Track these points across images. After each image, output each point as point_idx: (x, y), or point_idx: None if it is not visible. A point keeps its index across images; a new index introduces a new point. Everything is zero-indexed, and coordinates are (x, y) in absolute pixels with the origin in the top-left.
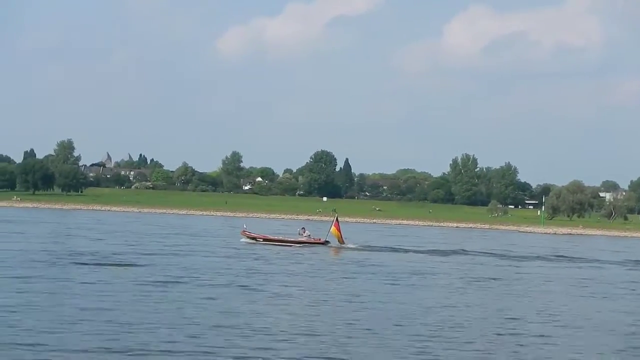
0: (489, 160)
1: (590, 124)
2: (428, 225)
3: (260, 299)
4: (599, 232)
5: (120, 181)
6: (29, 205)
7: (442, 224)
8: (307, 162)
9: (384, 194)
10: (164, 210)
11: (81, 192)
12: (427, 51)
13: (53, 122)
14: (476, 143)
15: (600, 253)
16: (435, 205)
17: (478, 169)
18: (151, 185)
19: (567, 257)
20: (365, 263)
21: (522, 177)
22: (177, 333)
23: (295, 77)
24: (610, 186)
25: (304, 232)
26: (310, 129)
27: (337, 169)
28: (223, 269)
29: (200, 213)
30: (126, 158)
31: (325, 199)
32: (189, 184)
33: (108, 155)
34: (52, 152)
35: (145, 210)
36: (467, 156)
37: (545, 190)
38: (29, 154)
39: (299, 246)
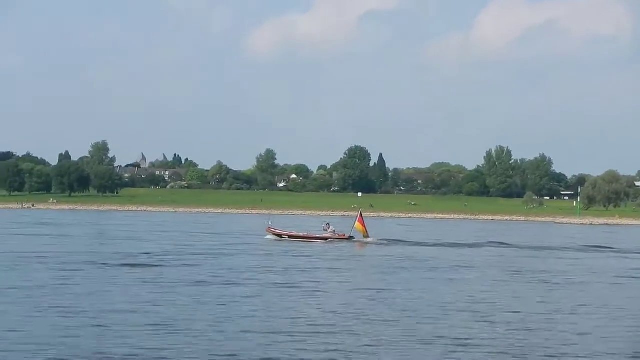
0: (523, 151)
1: (624, 112)
2: (464, 219)
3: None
4: (636, 222)
5: (155, 181)
6: (66, 207)
7: (477, 217)
8: (341, 158)
9: (419, 188)
10: (200, 210)
11: (117, 193)
12: (459, 44)
13: (87, 123)
14: (510, 135)
15: None
16: (471, 198)
17: (512, 160)
18: (186, 185)
19: (609, 247)
20: (414, 258)
21: (557, 168)
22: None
23: (327, 74)
24: None
25: (329, 228)
26: (343, 125)
27: (372, 164)
28: (269, 268)
29: (236, 211)
30: (161, 158)
31: (360, 194)
32: (224, 183)
33: (143, 155)
34: (87, 154)
35: (181, 210)
36: (502, 148)
37: (581, 180)
38: (64, 156)
39: (324, 242)
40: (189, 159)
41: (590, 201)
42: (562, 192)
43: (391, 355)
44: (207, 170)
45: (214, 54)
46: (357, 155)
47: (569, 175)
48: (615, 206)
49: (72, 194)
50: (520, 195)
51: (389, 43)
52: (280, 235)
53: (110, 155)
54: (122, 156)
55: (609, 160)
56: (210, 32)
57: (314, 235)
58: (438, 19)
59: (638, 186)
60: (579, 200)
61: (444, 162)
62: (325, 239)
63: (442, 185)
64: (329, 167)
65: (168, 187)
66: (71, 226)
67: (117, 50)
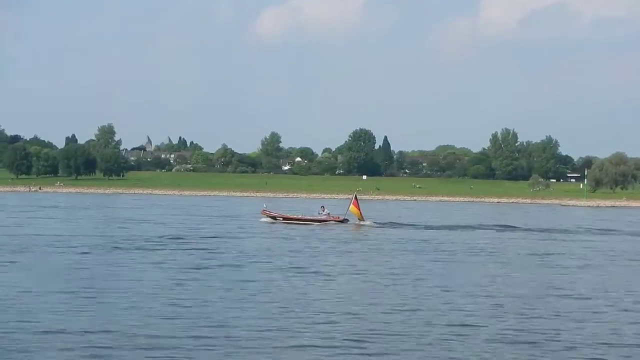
0: (529, 134)
1: (631, 94)
2: (469, 201)
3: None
4: None
5: (160, 164)
6: (72, 190)
7: (483, 199)
8: (346, 141)
9: (424, 171)
10: (205, 193)
11: (123, 176)
12: (465, 26)
13: (93, 107)
14: (516, 117)
15: None
16: (476, 181)
17: (518, 143)
18: (191, 168)
19: (619, 230)
20: (427, 240)
21: (563, 151)
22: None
23: (333, 57)
24: None
25: (323, 211)
26: (348, 107)
27: (376, 147)
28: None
29: (241, 194)
30: (166, 141)
31: (365, 177)
32: (229, 166)
33: (148, 138)
34: (93, 137)
35: (186, 193)
36: (507, 131)
37: (587, 162)
38: (71, 140)
39: (318, 224)
40: (194, 142)
41: (597, 183)
42: (569, 175)
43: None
44: (212, 154)
45: (220, 37)
46: (362, 138)
47: (575, 158)
48: (622, 188)
49: (79, 177)
50: (526, 178)
51: (395, 26)
52: (274, 218)
53: (116, 138)
54: (128, 139)
55: (616, 142)
56: (215, 16)
57: (309, 218)
58: (444, 2)
59: None
60: (585, 182)
61: (449, 144)
62: (320, 221)
63: (447, 168)
64: (333, 150)
65: (173, 170)
66: (84, 209)
67: (122, 33)
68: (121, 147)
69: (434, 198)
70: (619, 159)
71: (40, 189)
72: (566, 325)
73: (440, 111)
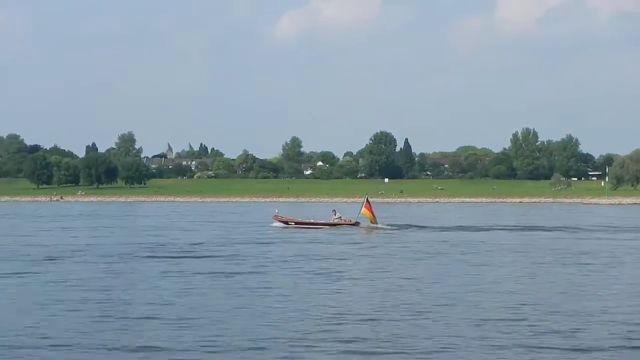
0: (549, 133)
1: None
2: (491, 202)
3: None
4: None
5: (182, 171)
6: (94, 199)
7: (505, 199)
8: (367, 144)
9: (446, 173)
10: (227, 199)
11: (144, 184)
12: (483, 25)
13: (113, 115)
14: (536, 116)
15: None
16: (498, 181)
17: (539, 142)
18: (213, 174)
19: None
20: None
21: (584, 149)
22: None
23: (351, 59)
24: None
25: (335, 215)
26: (368, 110)
27: (397, 149)
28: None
29: (263, 200)
30: (187, 148)
31: (387, 180)
32: (250, 172)
33: (169, 146)
34: (114, 146)
35: (208, 199)
36: (528, 130)
37: (608, 160)
38: (91, 148)
39: (330, 228)
40: (215, 149)
41: (618, 181)
42: (590, 173)
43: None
44: (233, 159)
45: (238, 42)
46: (383, 140)
47: (596, 156)
48: None
49: (100, 186)
50: (547, 177)
51: (412, 26)
52: (286, 222)
53: (136, 146)
54: (149, 147)
55: (636, 139)
56: (233, 19)
57: (320, 222)
58: (461, 1)
59: None
60: (607, 180)
61: (470, 145)
62: (332, 225)
63: (468, 169)
64: (355, 153)
65: (195, 177)
66: (111, 218)
67: (140, 40)
68: (142, 155)
69: (456, 199)
70: None
71: (61, 198)
72: None
73: (460, 112)
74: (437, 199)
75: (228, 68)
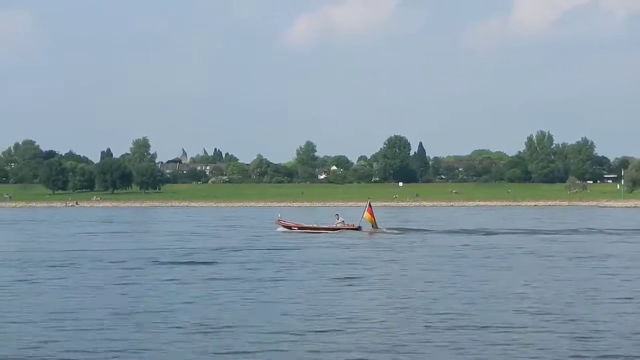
0: (564, 136)
1: None
2: (506, 206)
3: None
4: None
5: (196, 176)
6: (109, 204)
7: (520, 203)
8: (381, 148)
9: (460, 176)
10: (242, 204)
11: (159, 189)
12: (497, 28)
13: (128, 120)
14: (551, 119)
15: None
16: (512, 185)
17: (554, 145)
18: (227, 179)
19: None
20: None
21: (599, 151)
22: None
23: (365, 63)
24: None
25: (338, 219)
26: (382, 114)
27: (412, 153)
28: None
29: (277, 204)
30: (201, 153)
31: (401, 184)
32: (265, 176)
33: (183, 151)
34: (129, 151)
35: (222, 204)
36: (542, 133)
37: (624, 163)
38: (106, 154)
39: (333, 232)
40: (230, 154)
41: (634, 184)
42: (605, 176)
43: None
44: (247, 164)
45: (252, 47)
46: (397, 144)
47: (611, 159)
48: None
49: (115, 191)
50: (562, 180)
51: (426, 29)
52: (289, 227)
53: (151, 151)
54: (163, 152)
55: None
56: (246, 25)
57: (323, 226)
58: (476, 3)
59: None
60: (622, 183)
61: (485, 149)
62: (334, 229)
63: (483, 172)
64: (369, 157)
65: (209, 182)
66: (129, 223)
67: (156, 46)
68: (156, 160)
69: (470, 203)
70: None
71: (76, 203)
72: None
73: (474, 115)
74: (451, 203)
75: (242, 73)
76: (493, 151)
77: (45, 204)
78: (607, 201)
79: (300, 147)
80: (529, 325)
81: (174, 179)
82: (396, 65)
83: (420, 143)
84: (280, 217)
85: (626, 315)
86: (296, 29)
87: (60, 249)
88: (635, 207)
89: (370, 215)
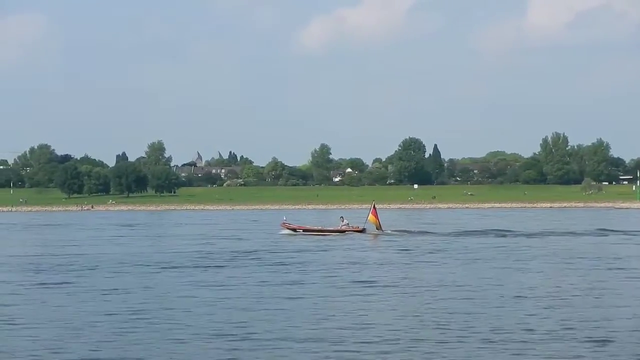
0: (579, 137)
1: None
2: (522, 207)
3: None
4: None
5: (211, 180)
6: (124, 208)
7: (535, 205)
8: (396, 150)
9: (475, 178)
10: (257, 207)
11: (174, 192)
12: (511, 30)
13: (143, 124)
14: (566, 121)
15: None
16: (528, 187)
17: (569, 147)
18: (242, 182)
19: None
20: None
21: (614, 153)
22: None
23: (379, 65)
24: None
25: (343, 221)
26: (397, 116)
27: (427, 155)
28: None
29: (293, 207)
30: (216, 156)
31: (416, 186)
32: (280, 179)
33: (198, 154)
34: (144, 155)
35: (238, 207)
36: (557, 135)
37: (639, 164)
38: (121, 158)
39: (337, 235)
40: (245, 156)
41: None
42: (621, 177)
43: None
44: (262, 167)
45: (265, 50)
46: (412, 146)
47: (627, 160)
48: None
49: (130, 195)
50: (578, 182)
51: (440, 32)
52: (294, 230)
53: (166, 155)
54: (178, 156)
55: None
56: (259, 28)
57: (328, 229)
58: (489, 6)
59: None
60: (638, 184)
61: (500, 150)
62: (339, 231)
63: (498, 174)
64: (384, 159)
65: (224, 185)
66: (155, 226)
67: (171, 50)
68: (171, 164)
69: (486, 205)
70: None
71: (92, 207)
72: None
73: (488, 117)
74: (466, 205)
75: (256, 76)
76: (508, 153)
77: (60, 208)
78: (622, 202)
79: (315, 150)
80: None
81: (189, 182)
82: (411, 68)
83: (435, 145)
84: (285, 220)
85: None
86: (310, 32)
87: (91, 252)
88: None
89: (374, 218)
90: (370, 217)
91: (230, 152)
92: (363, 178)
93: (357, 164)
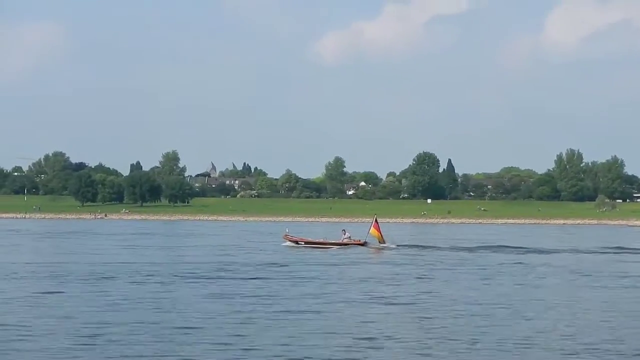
0: (594, 154)
1: None
2: (535, 224)
3: None
4: None
5: (225, 190)
6: (137, 217)
7: (549, 221)
8: (410, 165)
9: (489, 194)
10: (270, 218)
11: (187, 202)
12: (528, 45)
13: (157, 134)
14: (581, 137)
15: None
16: (541, 203)
17: (583, 163)
18: (256, 194)
19: None
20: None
21: (629, 170)
22: None
23: (395, 79)
24: None
25: (345, 234)
26: (411, 130)
27: (441, 170)
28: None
29: (306, 220)
30: (230, 167)
31: (429, 201)
32: (293, 191)
33: (212, 165)
34: (158, 164)
35: (251, 219)
36: (572, 151)
37: None
38: (136, 167)
39: (339, 248)
40: (259, 168)
41: None
42: (635, 195)
43: None
44: (276, 179)
45: (282, 62)
46: (426, 161)
47: None
48: None
49: (144, 204)
50: (592, 199)
51: (457, 47)
52: (296, 242)
53: (180, 165)
54: (192, 166)
55: None
56: (276, 40)
57: (330, 241)
58: (507, 21)
59: None
60: None
61: (514, 166)
62: (341, 244)
63: (512, 190)
64: (397, 173)
65: (238, 196)
66: (175, 237)
67: (186, 59)
68: (185, 174)
69: (499, 221)
70: None
71: (105, 216)
72: None
73: (503, 132)
74: (479, 220)
75: (271, 88)
76: (522, 169)
77: (74, 216)
78: (636, 220)
79: (329, 163)
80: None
81: (203, 192)
82: (426, 82)
83: (449, 160)
84: (288, 232)
85: None
86: (327, 44)
87: (114, 261)
88: None
89: (376, 231)
90: (372, 230)
91: (244, 164)
92: (377, 191)
93: (370, 177)
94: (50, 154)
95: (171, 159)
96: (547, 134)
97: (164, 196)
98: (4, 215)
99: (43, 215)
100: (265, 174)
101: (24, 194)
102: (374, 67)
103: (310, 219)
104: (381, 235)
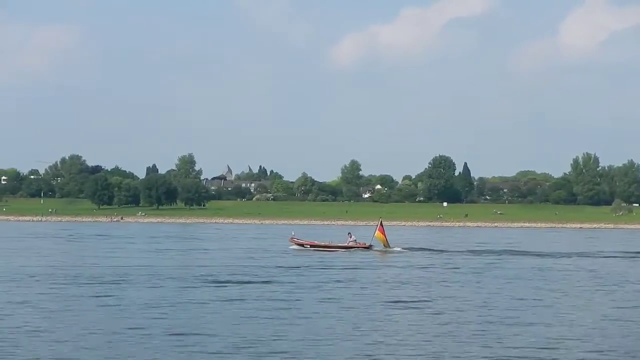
0: (610, 158)
1: None
2: (551, 227)
3: None
4: None
5: (241, 193)
6: (154, 220)
7: (565, 225)
8: (426, 168)
9: (505, 197)
10: (286, 222)
11: (204, 205)
12: (544, 49)
13: (174, 137)
14: (597, 141)
15: None
16: (558, 207)
17: (600, 167)
18: (272, 197)
19: None
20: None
21: None
22: None
23: (411, 83)
24: None
25: (350, 237)
26: (428, 134)
27: (456, 173)
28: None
29: (321, 223)
30: (246, 170)
31: (445, 204)
32: (309, 194)
33: (228, 168)
34: (174, 167)
35: (267, 222)
36: (588, 155)
37: None
38: (152, 170)
39: (345, 251)
40: (274, 171)
41: None
42: None
43: None
44: (292, 182)
45: (297, 65)
46: (442, 164)
47: None
48: None
49: (160, 207)
50: (608, 203)
51: (473, 51)
52: (302, 245)
53: (196, 168)
54: (208, 169)
55: None
56: (292, 44)
57: (335, 244)
58: (523, 25)
59: None
60: None
61: (530, 170)
62: (346, 247)
63: (528, 193)
64: (413, 177)
65: (254, 199)
66: (200, 240)
67: (202, 64)
68: (201, 177)
69: (515, 224)
70: None
71: (122, 219)
72: None
73: (519, 136)
74: (495, 224)
75: (287, 91)
76: (538, 172)
77: (90, 219)
78: None
79: (345, 166)
80: None
81: (219, 195)
82: (442, 85)
83: (465, 163)
84: (294, 235)
85: None
86: (343, 47)
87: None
88: None
89: (381, 235)
90: (377, 234)
91: (260, 167)
92: (393, 195)
93: (386, 180)
94: (67, 157)
95: (187, 162)
96: (563, 137)
97: (180, 199)
98: (20, 218)
99: (59, 218)
100: (281, 177)
101: (40, 197)
102: (391, 71)
103: (325, 222)
104: (386, 239)
